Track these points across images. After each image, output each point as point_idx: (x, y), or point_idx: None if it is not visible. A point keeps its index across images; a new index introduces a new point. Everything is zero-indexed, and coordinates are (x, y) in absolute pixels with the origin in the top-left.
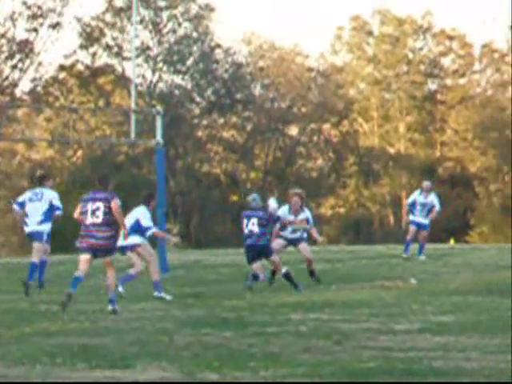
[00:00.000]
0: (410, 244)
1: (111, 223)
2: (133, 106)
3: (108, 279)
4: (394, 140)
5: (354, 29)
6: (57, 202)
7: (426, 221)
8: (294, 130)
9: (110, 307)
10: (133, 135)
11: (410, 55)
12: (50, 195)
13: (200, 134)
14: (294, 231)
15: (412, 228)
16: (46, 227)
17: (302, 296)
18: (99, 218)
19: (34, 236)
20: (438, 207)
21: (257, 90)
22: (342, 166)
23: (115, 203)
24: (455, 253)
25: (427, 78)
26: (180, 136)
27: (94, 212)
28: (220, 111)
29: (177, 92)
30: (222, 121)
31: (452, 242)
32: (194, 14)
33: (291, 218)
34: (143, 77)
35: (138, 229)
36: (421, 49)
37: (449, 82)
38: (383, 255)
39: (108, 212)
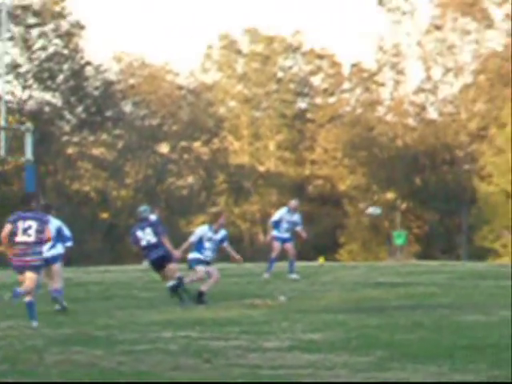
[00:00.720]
0: (274, 262)
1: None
2: (2, 123)
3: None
4: (264, 158)
5: (224, 47)
6: None
7: (289, 235)
8: (164, 148)
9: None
10: (2, 152)
11: (280, 74)
12: None
13: (70, 151)
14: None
15: (277, 244)
16: None
17: (172, 314)
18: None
19: None
20: (300, 226)
21: (127, 108)
22: (213, 184)
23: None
24: (324, 271)
25: (297, 97)
26: (50, 153)
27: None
28: (90, 128)
29: (47, 109)
30: (92, 138)
31: (321, 260)
32: (64, 31)
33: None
34: (13, 94)
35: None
36: (290, 67)
37: (318, 100)
38: (253, 273)
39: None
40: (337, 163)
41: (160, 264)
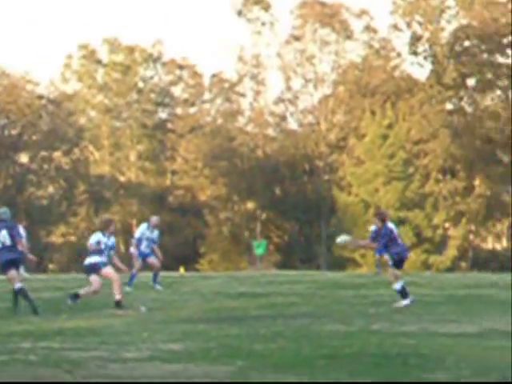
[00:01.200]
0: (136, 276)
1: None
2: None
3: None
4: (125, 168)
5: (83, 57)
6: None
7: (149, 250)
8: (24, 158)
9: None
10: None
11: (141, 84)
12: None
13: None
14: None
15: (140, 261)
16: None
17: (32, 324)
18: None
19: None
20: (156, 244)
21: None
22: (73, 194)
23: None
24: (185, 281)
25: (158, 107)
26: None
27: None
28: None
29: None
30: None
31: (182, 270)
32: None
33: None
34: None
35: None
36: (151, 78)
37: (179, 111)
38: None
39: None
40: (197, 173)
41: (10, 266)
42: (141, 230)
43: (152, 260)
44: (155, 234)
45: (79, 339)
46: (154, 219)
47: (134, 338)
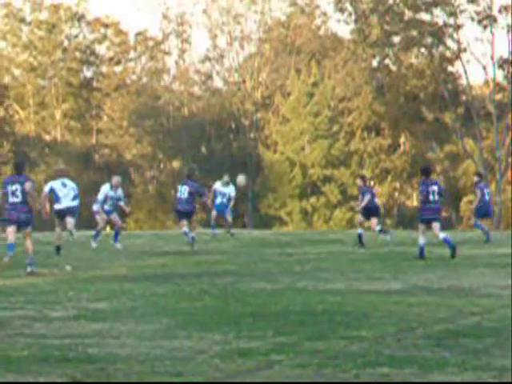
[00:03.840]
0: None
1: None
2: None
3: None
4: (51, 127)
5: (6, 16)
6: None
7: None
8: None
9: (28, 269)
10: None
11: (66, 42)
12: None
13: None
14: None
15: (103, 217)
16: None
17: None
18: (18, 197)
19: None
20: (122, 201)
21: None
22: None
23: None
24: (110, 240)
25: (83, 66)
26: None
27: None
28: None
29: None
30: None
31: (108, 228)
32: None
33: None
34: None
35: None
36: (76, 36)
37: (104, 69)
38: (39, 242)
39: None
40: (123, 132)
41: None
42: (103, 191)
43: (114, 217)
44: (119, 192)
45: (4, 298)
46: (115, 179)
47: (59, 297)
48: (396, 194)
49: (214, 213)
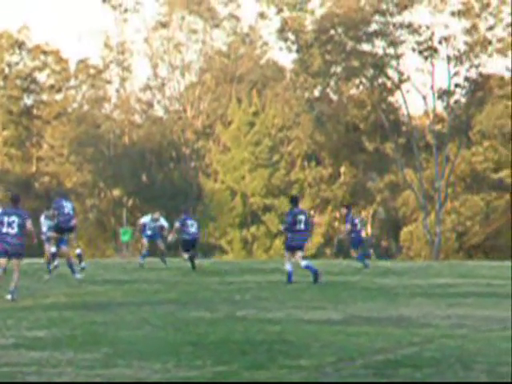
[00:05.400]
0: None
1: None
2: None
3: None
4: None
5: None
6: None
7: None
8: None
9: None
10: None
11: (7, 70)
12: None
13: None
14: None
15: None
16: None
17: None
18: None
19: None
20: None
21: None
22: None
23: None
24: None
25: (23, 93)
26: None
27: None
28: None
29: None
30: None
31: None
32: None
33: None
34: None
35: None
36: (17, 63)
37: (45, 97)
38: None
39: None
40: (63, 160)
41: None
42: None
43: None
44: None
45: None
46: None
47: None
48: (336, 223)
49: (144, 241)
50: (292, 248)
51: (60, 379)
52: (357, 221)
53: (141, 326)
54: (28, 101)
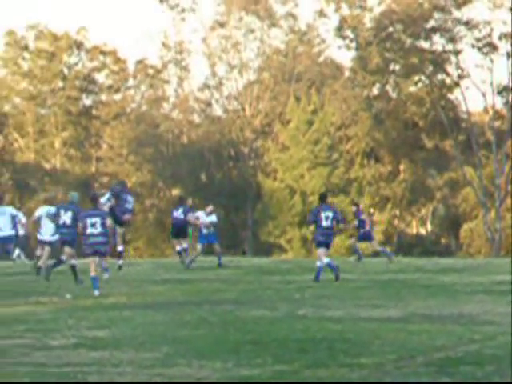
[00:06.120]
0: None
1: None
2: None
3: None
4: (50, 155)
5: (8, 44)
6: None
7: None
8: None
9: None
10: None
11: (66, 70)
12: None
13: None
14: None
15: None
16: None
17: None
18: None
19: None
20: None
21: None
22: None
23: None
24: (111, 267)
25: (82, 94)
26: None
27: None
28: None
29: None
30: None
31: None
32: None
33: None
34: None
35: None
36: (76, 64)
37: (104, 97)
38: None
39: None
40: (122, 160)
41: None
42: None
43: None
44: (212, 217)
45: (4, 327)
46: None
47: (59, 326)
48: (395, 221)
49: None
50: (318, 244)
51: (121, 379)
52: (366, 219)
53: (200, 325)
54: (87, 101)
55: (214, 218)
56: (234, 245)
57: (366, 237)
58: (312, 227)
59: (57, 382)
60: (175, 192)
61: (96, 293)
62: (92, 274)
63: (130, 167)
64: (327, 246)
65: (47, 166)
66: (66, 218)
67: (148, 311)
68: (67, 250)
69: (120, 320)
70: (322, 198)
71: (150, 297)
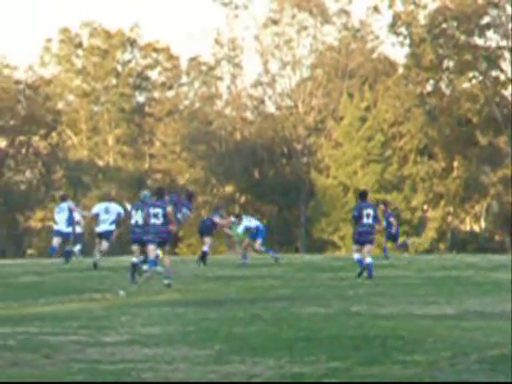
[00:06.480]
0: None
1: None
2: None
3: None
4: (103, 152)
5: (63, 41)
6: None
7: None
8: (2, 143)
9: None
10: None
11: (119, 68)
12: None
13: None
14: None
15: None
16: None
17: (10, 309)
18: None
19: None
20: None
21: None
22: (51, 179)
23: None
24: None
25: (135, 91)
26: None
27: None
28: None
29: None
30: None
31: (160, 253)
32: None
33: None
34: None
35: None
36: (129, 61)
37: (157, 94)
38: (92, 268)
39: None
40: (175, 157)
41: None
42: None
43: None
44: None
45: (58, 324)
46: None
47: (112, 322)
48: (449, 218)
49: (246, 241)
50: (358, 241)
51: (174, 376)
52: (392, 218)
53: (254, 322)
54: (140, 98)
55: (251, 223)
56: (286, 242)
57: (393, 237)
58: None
59: (112, 382)
60: (228, 189)
61: (166, 282)
62: (166, 263)
63: (182, 164)
64: (368, 243)
65: (100, 163)
66: (138, 217)
67: (201, 308)
68: (135, 248)
69: (173, 317)
70: (363, 195)
71: (204, 293)
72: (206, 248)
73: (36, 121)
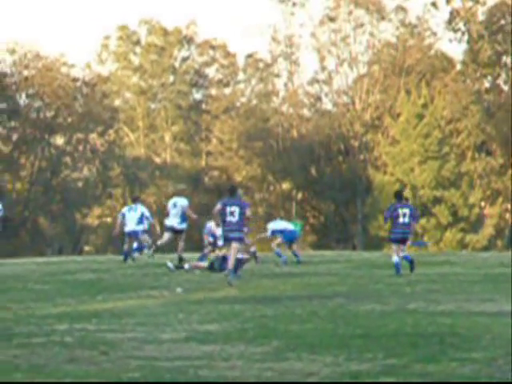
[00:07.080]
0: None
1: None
2: None
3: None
4: (160, 149)
5: (121, 38)
6: None
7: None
8: (59, 140)
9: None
10: None
11: (176, 65)
12: None
13: None
14: None
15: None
16: None
17: (68, 306)
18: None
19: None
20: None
21: (22, 100)
22: (109, 176)
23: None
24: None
25: (192, 88)
26: None
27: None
28: None
29: None
30: None
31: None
32: None
33: None
34: None
35: None
36: (186, 59)
37: (213, 91)
38: (149, 264)
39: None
40: (232, 154)
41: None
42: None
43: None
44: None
45: (115, 320)
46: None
47: (169, 319)
48: (507, 215)
49: (279, 239)
50: (395, 240)
51: (231, 373)
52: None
53: (311, 319)
54: (197, 95)
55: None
56: (344, 239)
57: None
58: (387, 225)
59: (170, 383)
60: (285, 186)
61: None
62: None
63: (239, 161)
64: (403, 242)
65: (157, 160)
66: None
67: (258, 305)
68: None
69: (230, 314)
70: (399, 194)
71: (261, 291)
72: (253, 248)
73: (93, 118)
